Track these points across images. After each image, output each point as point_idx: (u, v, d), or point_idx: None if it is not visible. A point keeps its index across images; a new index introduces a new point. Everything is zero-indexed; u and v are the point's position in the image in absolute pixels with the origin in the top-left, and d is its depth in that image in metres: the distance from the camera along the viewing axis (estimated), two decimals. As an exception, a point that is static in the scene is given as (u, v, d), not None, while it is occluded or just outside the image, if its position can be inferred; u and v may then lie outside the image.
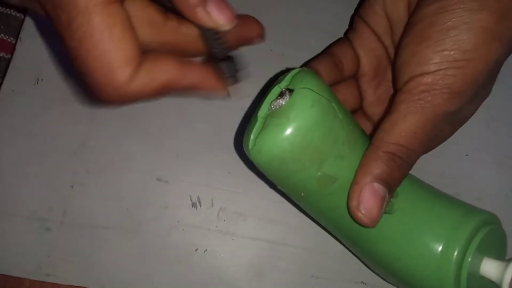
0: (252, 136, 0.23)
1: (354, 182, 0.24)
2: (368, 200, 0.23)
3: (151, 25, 0.24)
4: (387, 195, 0.23)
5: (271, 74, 0.35)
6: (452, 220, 0.25)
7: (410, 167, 0.24)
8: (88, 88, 0.21)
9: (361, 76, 0.32)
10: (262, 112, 0.24)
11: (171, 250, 0.32)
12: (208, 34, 0.22)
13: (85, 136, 0.33)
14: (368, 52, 0.31)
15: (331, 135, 0.23)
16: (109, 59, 0.20)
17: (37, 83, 0.34)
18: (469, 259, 0.24)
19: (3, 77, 0.34)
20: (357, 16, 0.32)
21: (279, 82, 0.24)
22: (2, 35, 0.35)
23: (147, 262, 0.32)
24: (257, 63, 0.35)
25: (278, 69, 0.35)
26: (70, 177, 0.32)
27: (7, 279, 0.31)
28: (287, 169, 0.23)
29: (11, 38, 0.35)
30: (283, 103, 0.23)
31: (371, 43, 0.31)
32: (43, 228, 0.31)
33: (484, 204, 0.35)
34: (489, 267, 0.25)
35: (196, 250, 0.32)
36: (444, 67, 0.23)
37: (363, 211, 0.23)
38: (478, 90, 0.24)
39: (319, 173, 0.24)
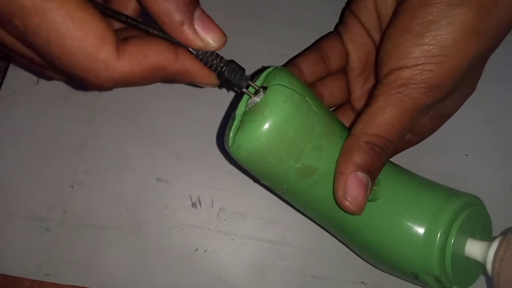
0: (231, 134, 0.25)
1: (338, 172, 0.25)
2: (353, 188, 0.24)
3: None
4: (369, 182, 0.24)
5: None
6: (434, 204, 0.26)
7: (389, 156, 0.25)
8: (78, 80, 0.21)
9: (349, 71, 0.32)
10: (239, 110, 0.25)
11: (171, 250, 0.32)
12: (199, 53, 0.22)
13: (85, 136, 0.33)
14: (357, 46, 0.32)
15: (306, 128, 0.24)
16: (82, 44, 0.19)
17: (37, 83, 0.34)
18: (452, 241, 0.25)
19: (3, 77, 0.34)
20: (347, 10, 0.32)
21: (255, 81, 0.25)
22: (2, 35, 0.35)
23: (147, 262, 0.32)
24: (257, 63, 0.35)
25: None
26: (70, 177, 0.32)
27: (7, 279, 0.31)
28: (266, 162, 0.24)
29: (11, 38, 0.35)
30: (258, 100, 0.24)
31: (360, 38, 0.31)
32: (43, 228, 0.31)
33: (484, 204, 0.35)
34: (473, 248, 0.26)
35: (196, 250, 0.32)
36: (422, 62, 0.24)
37: (350, 200, 0.24)
38: (457, 84, 0.25)
39: (298, 165, 0.25)
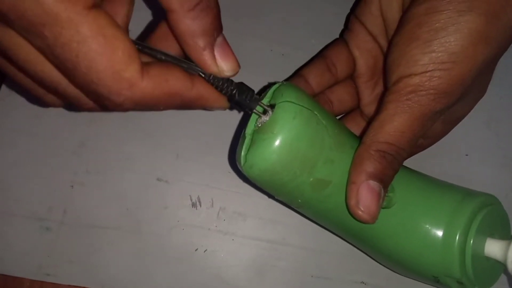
0: (242, 153, 0.25)
1: (350, 182, 0.25)
2: (365, 197, 0.24)
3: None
4: (382, 191, 0.24)
5: (271, 74, 0.35)
6: (450, 206, 0.26)
7: (400, 163, 0.25)
8: (97, 98, 0.21)
9: (358, 77, 0.32)
10: (249, 129, 0.25)
11: (171, 250, 0.32)
12: (211, 77, 0.23)
13: (85, 136, 0.33)
14: (364, 52, 0.32)
15: (317, 142, 0.24)
16: (111, 60, 0.19)
17: (37, 83, 0.34)
18: (471, 242, 0.25)
19: (3, 77, 0.34)
20: (352, 16, 0.32)
21: (262, 98, 0.25)
22: (2, 35, 0.35)
23: (147, 262, 0.32)
24: (257, 63, 0.35)
25: (279, 69, 0.35)
26: (70, 177, 0.32)
27: (7, 279, 0.31)
28: (280, 179, 0.24)
29: (11, 38, 0.35)
30: (267, 118, 0.24)
31: (367, 44, 0.31)
32: (43, 228, 0.31)
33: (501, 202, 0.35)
34: (493, 247, 0.25)
35: (196, 250, 0.32)
36: (431, 68, 0.24)
37: (362, 209, 0.24)
38: (467, 90, 0.25)
39: (311, 179, 0.25)
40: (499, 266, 0.27)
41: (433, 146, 0.36)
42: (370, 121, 0.26)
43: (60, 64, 0.19)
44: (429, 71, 0.24)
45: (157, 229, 0.32)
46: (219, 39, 0.22)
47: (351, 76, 0.33)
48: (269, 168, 0.24)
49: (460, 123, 0.36)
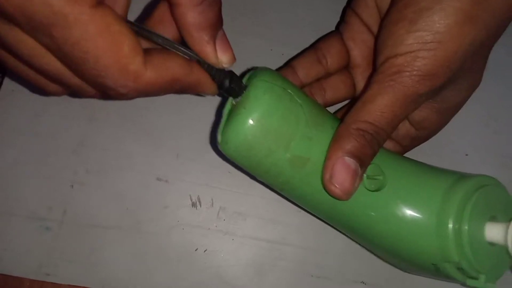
0: (219, 131, 0.26)
1: (327, 158, 0.25)
2: (340, 173, 0.24)
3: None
4: (359, 169, 0.24)
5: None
6: (442, 188, 0.25)
7: (380, 144, 0.25)
8: (104, 90, 0.22)
9: (353, 68, 0.32)
10: (226, 109, 0.26)
11: (171, 250, 0.32)
12: (206, 65, 0.24)
13: (85, 136, 0.33)
14: (359, 43, 0.31)
15: (290, 118, 0.25)
16: (118, 55, 0.20)
17: (37, 83, 0.34)
18: (467, 225, 0.24)
19: (3, 77, 0.34)
20: (348, 8, 0.32)
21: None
22: (2, 35, 0.35)
23: (147, 262, 0.32)
24: (257, 63, 0.35)
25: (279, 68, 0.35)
26: (70, 177, 0.32)
27: (7, 278, 0.31)
28: (255, 154, 0.25)
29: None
30: (241, 97, 0.25)
31: (362, 35, 0.31)
32: (43, 227, 0.31)
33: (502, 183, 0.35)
34: (493, 230, 0.24)
35: (196, 250, 0.32)
36: (416, 48, 0.23)
37: (335, 184, 0.24)
38: (455, 74, 0.24)
39: (288, 155, 0.25)
40: (507, 253, 0.25)
41: (433, 146, 0.36)
42: (355, 101, 0.26)
43: (67, 60, 0.20)
44: (413, 51, 0.23)
45: (157, 229, 0.32)
46: (220, 33, 0.24)
47: (347, 68, 0.33)
48: (243, 143, 0.24)
49: (460, 123, 0.37)
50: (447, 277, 0.26)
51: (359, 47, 0.32)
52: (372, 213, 0.26)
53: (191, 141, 0.34)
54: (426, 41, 0.23)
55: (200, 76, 0.24)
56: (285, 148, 0.25)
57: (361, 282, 0.33)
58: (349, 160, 0.24)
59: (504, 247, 0.24)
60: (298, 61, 0.31)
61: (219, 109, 0.35)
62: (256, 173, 0.27)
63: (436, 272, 0.26)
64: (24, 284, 0.31)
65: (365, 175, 0.26)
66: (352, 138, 0.24)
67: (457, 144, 0.36)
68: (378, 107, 0.24)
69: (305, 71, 0.31)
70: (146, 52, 0.21)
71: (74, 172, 0.32)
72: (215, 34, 0.23)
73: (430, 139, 0.35)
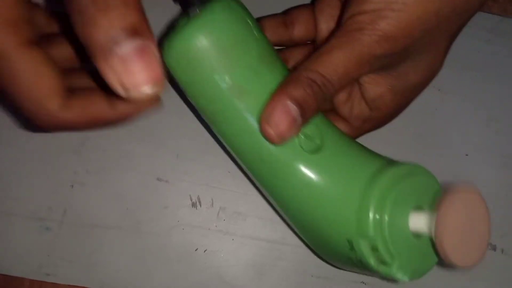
0: (166, 37, 0.24)
1: (270, 99, 0.24)
2: (278, 115, 0.23)
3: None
4: (299, 118, 0.23)
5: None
6: (369, 174, 0.25)
7: (325, 99, 0.24)
8: (25, 117, 0.23)
9: (319, 42, 0.32)
10: (181, 21, 0.25)
11: (171, 250, 0.32)
12: None
13: (85, 136, 0.33)
14: (328, 18, 0.31)
15: (242, 44, 0.24)
16: (37, 94, 0.21)
17: (37, 83, 0.34)
18: (386, 216, 0.23)
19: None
20: None
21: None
22: (2, 35, 0.35)
23: (147, 262, 0.32)
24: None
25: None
26: (70, 177, 0.32)
27: (7, 278, 0.31)
28: (196, 69, 0.24)
29: (11, 38, 0.35)
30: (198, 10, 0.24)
31: (332, 10, 0.31)
32: (43, 227, 0.31)
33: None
34: (416, 220, 0.23)
35: (196, 250, 0.32)
36: (382, 7, 0.23)
37: (271, 124, 0.23)
38: (414, 44, 0.24)
39: (229, 80, 0.24)
40: (433, 246, 0.24)
41: (433, 146, 0.36)
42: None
43: None
44: (378, 9, 0.23)
45: (157, 229, 0.32)
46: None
47: (314, 42, 0.32)
48: (185, 52, 0.24)
49: (460, 122, 0.37)
50: (361, 263, 0.24)
51: (327, 22, 0.31)
52: (299, 173, 0.25)
53: (191, 141, 0.34)
54: (392, 1, 0.23)
55: (124, 110, 0.24)
56: (229, 72, 0.24)
57: (361, 282, 0.33)
58: (291, 106, 0.23)
59: (430, 240, 0.23)
60: (266, 20, 0.31)
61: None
62: (191, 93, 0.26)
63: (351, 252, 0.25)
64: (24, 284, 0.31)
65: (302, 135, 0.25)
66: (300, 86, 0.24)
67: (457, 144, 0.36)
68: (333, 60, 0.24)
69: (271, 31, 0.31)
70: (70, 93, 0.22)
71: (74, 172, 0.32)
72: (111, 48, 0.16)
73: (431, 139, 0.35)
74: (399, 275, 0.23)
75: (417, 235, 0.24)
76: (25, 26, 0.20)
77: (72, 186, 0.32)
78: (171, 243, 0.32)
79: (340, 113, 0.31)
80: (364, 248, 0.24)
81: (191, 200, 0.33)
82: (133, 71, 0.16)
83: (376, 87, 0.27)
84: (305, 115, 0.24)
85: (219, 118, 0.26)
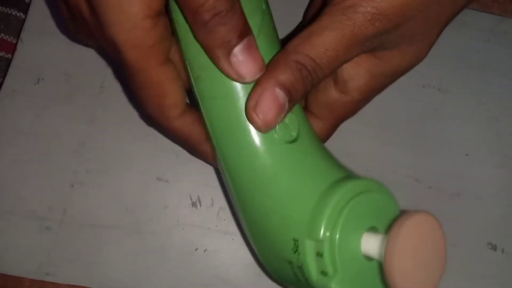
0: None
1: (257, 83, 0.23)
2: (266, 103, 0.22)
3: None
4: (286, 104, 0.23)
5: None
6: (332, 180, 0.23)
7: (313, 84, 0.24)
8: (143, 109, 0.26)
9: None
10: None
11: (171, 250, 0.32)
12: None
13: (85, 136, 0.33)
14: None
15: (248, 10, 0.23)
16: (165, 102, 0.24)
17: (38, 83, 0.34)
18: (339, 227, 0.21)
19: (3, 77, 0.34)
20: None
21: None
22: (3, 35, 0.35)
23: (147, 262, 0.32)
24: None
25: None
26: (70, 177, 0.32)
27: (7, 278, 0.31)
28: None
29: (12, 38, 0.35)
30: None
31: None
32: (43, 227, 0.31)
33: (484, 204, 0.35)
34: (367, 242, 0.22)
35: (196, 250, 0.32)
36: None
37: (259, 114, 0.22)
38: (405, 23, 0.23)
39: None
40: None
41: (433, 146, 0.36)
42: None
43: (128, 82, 0.25)
44: None
45: (157, 228, 0.32)
46: (244, 42, 0.23)
47: None
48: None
49: (460, 122, 0.37)
50: (301, 271, 0.23)
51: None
52: (266, 158, 0.24)
53: (191, 141, 0.34)
54: None
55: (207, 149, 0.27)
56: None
57: None
58: (279, 93, 0.22)
59: (379, 265, 0.22)
60: None
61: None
62: (187, 53, 0.25)
63: (293, 256, 0.23)
64: (24, 284, 0.31)
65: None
66: (289, 70, 0.23)
67: (457, 144, 0.36)
68: (324, 43, 0.23)
69: None
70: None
71: (74, 172, 0.32)
72: (230, 50, 0.22)
73: (431, 139, 0.35)
74: None
75: (367, 257, 0.22)
76: (161, 47, 0.23)
77: (72, 186, 0.32)
78: (171, 243, 0.32)
79: (308, 105, 0.29)
80: (308, 251, 0.22)
81: (191, 200, 0.33)
82: (246, 64, 0.22)
83: (353, 68, 0.26)
84: (293, 101, 0.23)
85: (201, 74, 0.25)
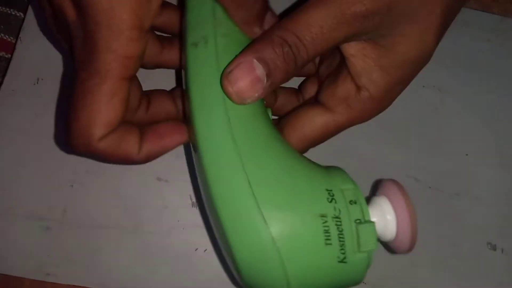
0: None
1: (237, 56, 0.23)
2: (240, 71, 0.22)
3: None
4: (264, 78, 0.22)
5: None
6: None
7: (295, 64, 0.23)
8: (67, 134, 0.24)
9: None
10: None
11: (171, 250, 0.32)
12: None
13: (85, 136, 0.33)
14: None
15: None
16: (94, 117, 0.22)
17: (37, 83, 0.34)
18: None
19: (3, 77, 0.34)
20: None
21: None
22: (2, 35, 0.35)
23: (146, 262, 0.32)
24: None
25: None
26: (70, 177, 0.32)
27: (7, 278, 0.31)
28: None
29: (11, 38, 0.35)
30: None
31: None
32: (43, 227, 0.31)
33: (484, 204, 0.35)
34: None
35: (196, 250, 0.32)
36: None
37: (229, 80, 0.22)
38: (400, 4, 0.22)
39: None
40: None
41: (433, 146, 0.36)
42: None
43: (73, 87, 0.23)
44: None
45: (157, 228, 0.32)
46: (268, 15, 0.26)
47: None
48: None
49: (460, 123, 0.37)
50: (338, 222, 0.23)
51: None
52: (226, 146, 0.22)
53: (191, 141, 0.34)
54: None
55: (154, 148, 0.25)
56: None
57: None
58: (257, 64, 0.22)
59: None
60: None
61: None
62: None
63: (329, 204, 0.23)
64: (24, 284, 0.31)
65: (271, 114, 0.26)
66: (270, 45, 0.22)
67: (457, 144, 0.36)
68: (307, 19, 0.22)
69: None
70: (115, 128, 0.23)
71: (74, 172, 0.32)
72: (263, 21, 0.25)
73: (430, 139, 0.35)
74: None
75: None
76: (135, 62, 0.22)
77: (72, 185, 0.32)
78: (171, 243, 0.32)
79: (322, 99, 0.27)
80: (345, 197, 0.23)
81: (191, 200, 0.33)
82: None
83: (363, 60, 0.25)
84: (272, 77, 0.22)
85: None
